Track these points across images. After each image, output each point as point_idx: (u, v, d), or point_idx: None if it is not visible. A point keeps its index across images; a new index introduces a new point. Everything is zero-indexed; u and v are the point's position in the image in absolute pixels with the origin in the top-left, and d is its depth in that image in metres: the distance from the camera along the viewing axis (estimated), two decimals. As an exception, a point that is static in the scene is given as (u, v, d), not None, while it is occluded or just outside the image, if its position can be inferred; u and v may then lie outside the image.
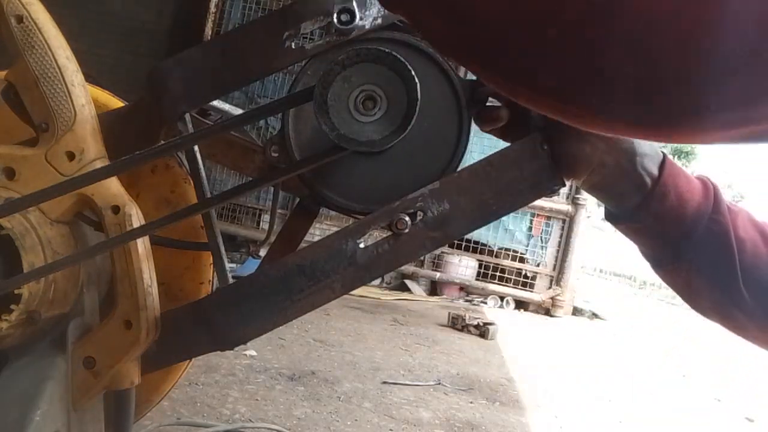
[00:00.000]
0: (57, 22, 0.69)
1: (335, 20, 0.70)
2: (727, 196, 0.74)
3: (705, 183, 0.72)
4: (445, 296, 5.91)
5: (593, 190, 0.74)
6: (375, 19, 0.70)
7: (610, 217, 0.75)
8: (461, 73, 0.71)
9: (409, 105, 0.63)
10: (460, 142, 0.71)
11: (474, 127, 0.73)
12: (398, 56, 0.63)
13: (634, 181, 0.70)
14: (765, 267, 0.68)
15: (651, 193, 0.69)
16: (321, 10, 0.70)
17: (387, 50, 0.63)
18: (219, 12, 6.11)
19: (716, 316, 0.74)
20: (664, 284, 0.80)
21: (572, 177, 0.72)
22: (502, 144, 0.72)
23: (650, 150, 0.71)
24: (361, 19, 0.70)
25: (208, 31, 6.01)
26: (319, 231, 4.82)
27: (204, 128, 0.71)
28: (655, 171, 0.70)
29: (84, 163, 0.67)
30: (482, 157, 0.69)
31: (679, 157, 35.40)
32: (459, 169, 0.71)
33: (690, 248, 0.69)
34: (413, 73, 0.63)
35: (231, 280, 0.73)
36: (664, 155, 0.71)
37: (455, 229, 0.69)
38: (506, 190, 0.68)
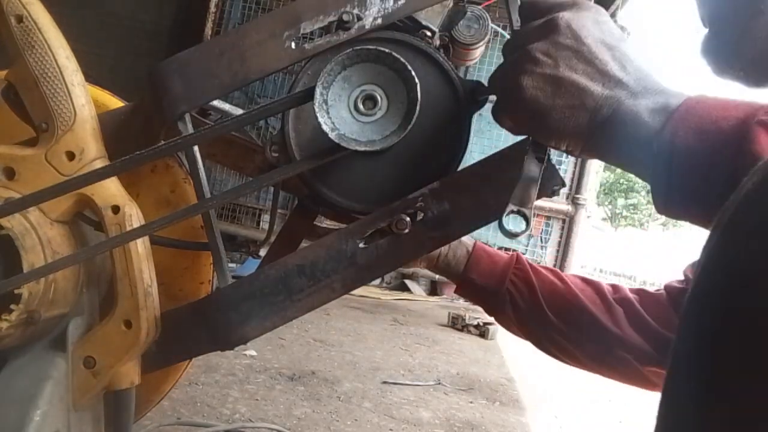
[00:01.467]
0: (57, 22, 0.69)
1: (335, 20, 0.70)
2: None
3: (512, 253, 1.04)
4: (445, 296, 5.91)
5: (440, 271, 1.04)
6: (375, 18, 0.69)
7: (457, 291, 1.06)
8: (461, 73, 0.71)
9: (410, 105, 0.63)
10: (461, 142, 0.71)
11: (474, 127, 0.72)
12: (398, 56, 0.63)
13: (459, 256, 1.02)
14: (561, 298, 0.96)
15: (470, 258, 1.01)
16: (321, 10, 0.70)
17: (387, 50, 0.63)
18: (219, 12, 6.10)
19: (545, 341, 0.99)
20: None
21: (426, 266, 1.03)
22: (502, 144, 0.72)
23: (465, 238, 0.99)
24: (361, 19, 0.69)
25: (208, 31, 6.00)
26: (319, 231, 4.80)
27: (204, 128, 0.70)
28: (471, 245, 1.03)
29: (84, 163, 0.67)
30: (482, 156, 0.69)
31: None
32: (459, 168, 0.71)
33: (506, 290, 0.98)
34: (413, 72, 0.62)
35: (231, 280, 0.73)
36: (476, 242, 1.04)
37: (455, 230, 0.68)
38: (507, 190, 0.68)
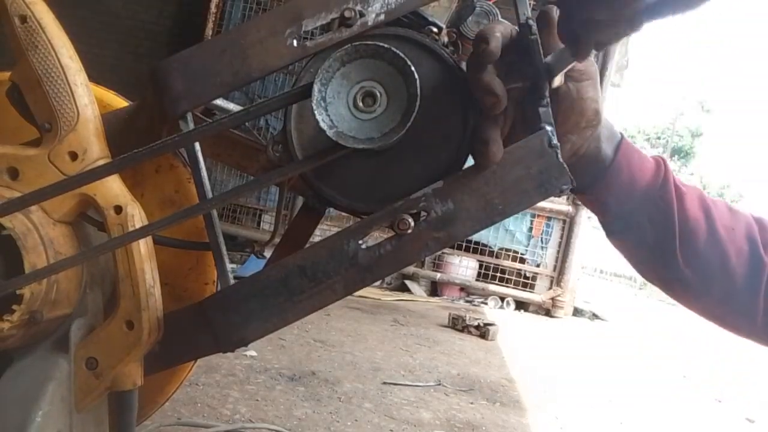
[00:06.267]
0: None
1: (338, 17, 0.69)
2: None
3: (658, 162, 0.80)
4: (445, 297, 5.91)
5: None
6: (378, 15, 0.69)
7: (572, 189, 0.81)
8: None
9: (409, 101, 0.62)
10: (466, 140, 0.70)
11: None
12: (397, 51, 0.62)
13: (597, 163, 0.77)
14: (702, 242, 0.77)
15: (606, 171, 0.77)
16: (323, 7, 0.70)
17: (386, 45, 0.62)
18: (219, 12, 6.11)
19: (658, 282, 0.84)
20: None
21: None
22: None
23: (609, 132, 0.77)
24: (363, 15, 0.69)
25: (209, 31, 6.01)
26: (318, 231, 4.80)
27: (202, 126, 0.70)
28: (610, 152, 0.77)
29: (87, 163, 0.67)
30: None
31: (679, 157, 35.45)
32: (464, 167, 0.70)
33: (636, 222, 0.79)
34: (412, 68, 0.62)
35: (232, 281, 0.73)
36: (622, 136, 0.79)
37: (460, 230, 0.68)
38: (513, 189, 0.67)
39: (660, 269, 0.81)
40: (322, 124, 0.62)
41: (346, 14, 0.68)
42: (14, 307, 0.63)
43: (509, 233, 6.02)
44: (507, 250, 6.05)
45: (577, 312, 6.23)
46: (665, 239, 0.77)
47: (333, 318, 3.69)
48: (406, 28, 0.71)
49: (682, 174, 35.34)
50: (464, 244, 5.95)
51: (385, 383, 2.61)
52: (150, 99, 0.73)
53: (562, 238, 5.93)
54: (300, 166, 0.69)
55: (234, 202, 5.90)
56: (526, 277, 5.98)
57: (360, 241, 0.68)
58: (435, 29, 0.72)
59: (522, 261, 6.02)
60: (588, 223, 5.91)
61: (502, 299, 5.89)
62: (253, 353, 2.62)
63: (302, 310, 0.69)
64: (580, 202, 5.65)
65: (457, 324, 4.19)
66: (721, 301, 0.79)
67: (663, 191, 0.78)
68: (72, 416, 0.68)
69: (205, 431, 1.80)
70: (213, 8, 6.04)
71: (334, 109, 0.63)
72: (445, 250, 5.77)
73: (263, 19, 0.71)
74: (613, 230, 0.82)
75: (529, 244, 6.01)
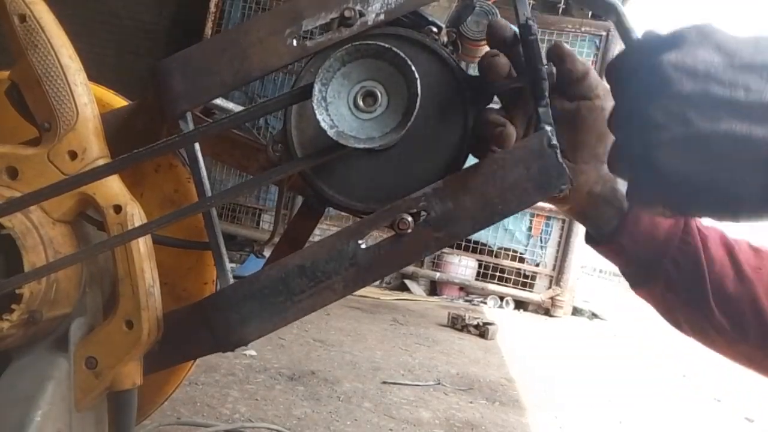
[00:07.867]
0: (57, 21, 0.69)
1: (338, 17, 0.69)
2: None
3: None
4: (444, 296, 5.91)
5: (575, 216, 0.79)
6: (378, 15, 0.69)
7: (589, 240, 0.81)
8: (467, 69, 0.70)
9: (410, 101, 0.62)
10: (465, 140, 0.70)
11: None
12: (398, 51, 0.62)
13: (615, 206, 0.75)
14: (731, 284, 0.74)
15: (626, 216, 0.75)
16: (323, 7, 0.70)
17: (387, 45, 0.62)
18: (219, 12, 6.11)
19: (691, 332, 0.81)
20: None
21: (558, 204, 0.77)
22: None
23: None
24: (363, 15, 0.69)
25: (208, 31, 6.01)
26: (318, 230, 4.80)
27: (203, 126, 0.70)
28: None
29: (86, 162, 0.67)
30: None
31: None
32: (464, 167, 0.70)
33: (663, 268, 0.76)
34: (413, 68, 0.62)
35: (231, 280, 0.73)
36: None
37: (459, 230, 0.68)
38: (512, 189, 0.67)
39: (693, 316, 0.77)
40: (323, 124, 0.62)
41: (346, 14, 0.68)
42: (13, 306, 0.63)
43: (508, 232, 6.02)
44: (506, 249, 6.05)
45: (576, 311, 6.24)
46: (695, 284, 0.74)
47: (332, 317, 3.69)
48: (406, 27, 0.71)
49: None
50: (463, 244, 5.95)
51: (384, 383, 2.61)
52: (150, 98, 0.73)
53: (561, 237, 5.93)
54: (300, 164, 0.69)
55: (233, 201, 5.90)
56: (525, 277, 5.98)
57: (360, 241, 0.68)
58: (435, 29, 0.72)
59: (521, 260, 6.02)
60: (587, 223, 5.91)
61: (502, 298, 5.89)
62: (253, 353, 2.63)
63: (302, 309, 0.69)
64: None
65: (457, 323, 4.20)
66: (760, 346, 0.75)
67: (686, 234, 0.74)
68: (71, 415, 0.68)
69: (205, 431, 1.80)
70: (212, 8, 6.04)
71: (335, 109, 0.64)
72: (444, 250, 5.77)
73: (263, 19, 0.71)
74: (639, 280, 0.79)
75: (528, 244, 6.02)
